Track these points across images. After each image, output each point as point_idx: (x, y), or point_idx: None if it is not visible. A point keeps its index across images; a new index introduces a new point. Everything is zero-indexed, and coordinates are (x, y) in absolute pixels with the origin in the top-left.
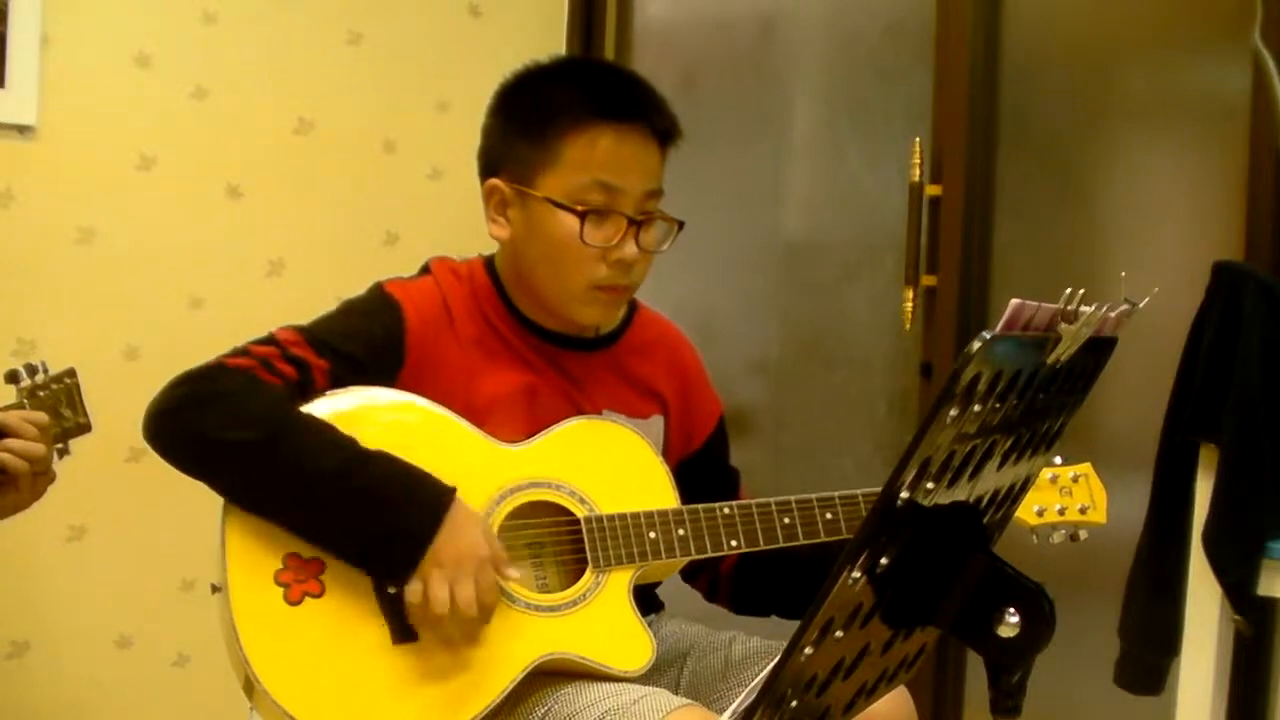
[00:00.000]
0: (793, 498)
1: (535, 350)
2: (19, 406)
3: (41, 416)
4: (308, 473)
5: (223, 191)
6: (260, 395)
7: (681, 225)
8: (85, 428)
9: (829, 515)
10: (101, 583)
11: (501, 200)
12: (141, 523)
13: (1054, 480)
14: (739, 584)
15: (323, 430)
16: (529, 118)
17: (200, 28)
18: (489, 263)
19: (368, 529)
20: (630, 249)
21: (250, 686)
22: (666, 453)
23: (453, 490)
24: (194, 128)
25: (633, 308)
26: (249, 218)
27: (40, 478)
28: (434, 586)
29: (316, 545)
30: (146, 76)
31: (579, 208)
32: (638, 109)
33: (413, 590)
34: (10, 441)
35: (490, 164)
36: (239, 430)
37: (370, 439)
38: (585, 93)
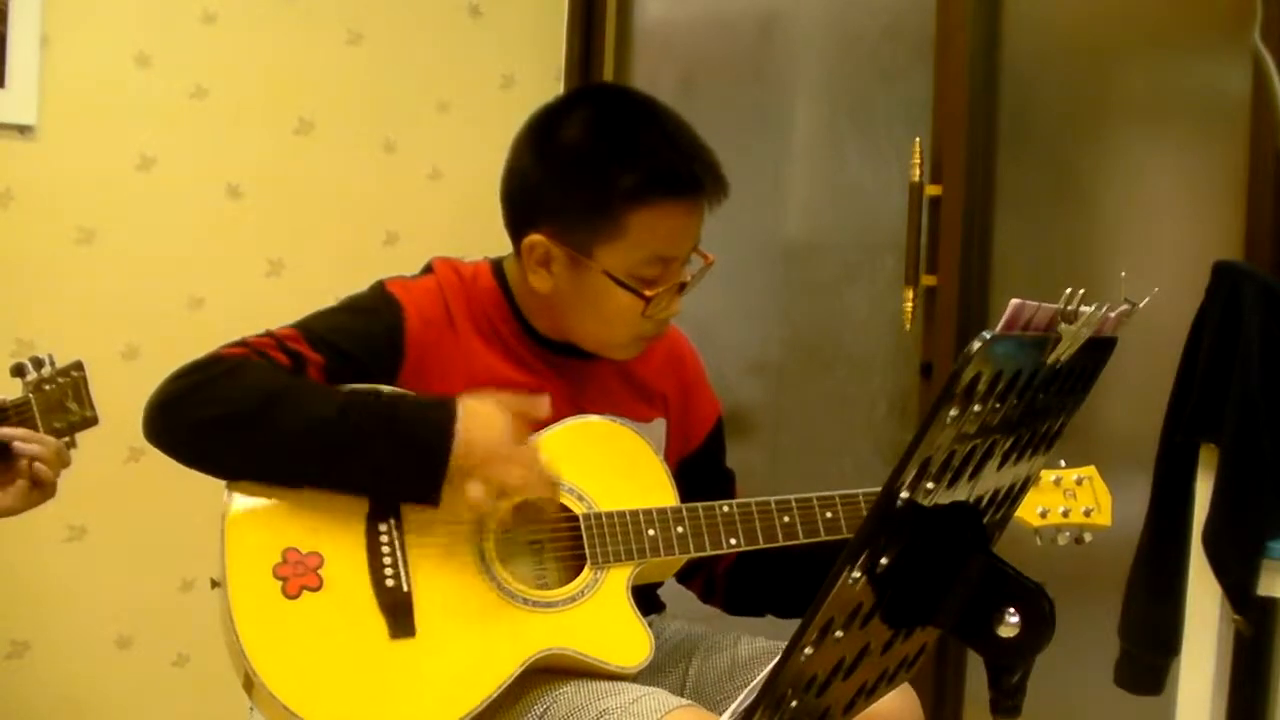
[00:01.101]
0: (792, 496)
1: (537, 355)
2: (25, 401)
3: (52, 441)
4: (310, 425)
5: (223, 191)
6: (250, 370)
7: (713, 262)
8: (92, 421)
9: (829, 514)
10: (101, 583)
11: (546, 256)
12: (141, 523)
13: (1058, 483)
14: (735, 584)
15: (314, 386)
16: (588, 183)
17: (200, 28)
18: (496, 268)
19: (384, 461)
20: (677, 307)
21: (249, 681)
22: (667, 454)
23: (454, 398)
24: (194, 128)
25: None
26: (249, 218)
27: (35, 490)
28: (471, 490)
29: (341, 490)
30: (146, 76)
31: (646, 292)
32: (704, 181)
33: (472, 492)
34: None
35: (530, 215)
36: (234, 404)
37: None
38: (651, 165)
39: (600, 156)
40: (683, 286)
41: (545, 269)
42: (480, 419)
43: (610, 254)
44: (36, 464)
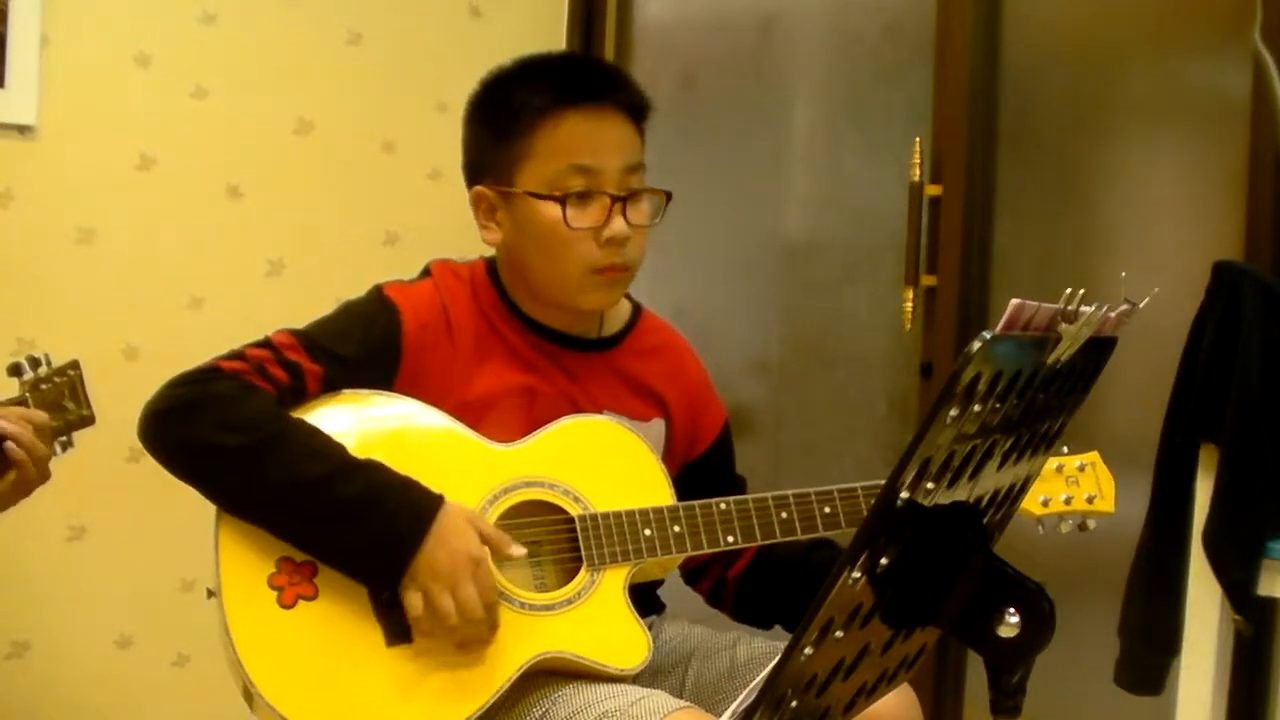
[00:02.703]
0: (790, 492)
1: (536, 349)
2: (22, 400)
3: (41, 415)
4: (294, 480)
5: (223, 191)
6: (250, 400)
7: (669, 196)
8: (89, 420)
9: (827, 510)
10: (101, 583)
11: (489, 206)
12: (141, 523)
13: (1060, 470)
14: (746, 591)
15: (311, 437)
16: (498, 119)
17: (200, 28)
18: (490, 264)
19: (355, 538)
20: (619, 225)
21: (248, 692)
22: (668, 457)
23: (440, 497)
24: (194, 128)
25: (637, 311)
26: (249, 218)
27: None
28: (436, 598)
29: (305, 552)
30: (146, 76)
31: (558, 194)
32: (600, 88)
33: (412, 603)
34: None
35: (473, 173)
36: (227, 435)
37: (363, 442)
38: (545, 82)
39: (507, 89)
40: (624, 203)
41: (492, 220)
42: (452, 534)
43: (528, 175)
44: (8, 443)
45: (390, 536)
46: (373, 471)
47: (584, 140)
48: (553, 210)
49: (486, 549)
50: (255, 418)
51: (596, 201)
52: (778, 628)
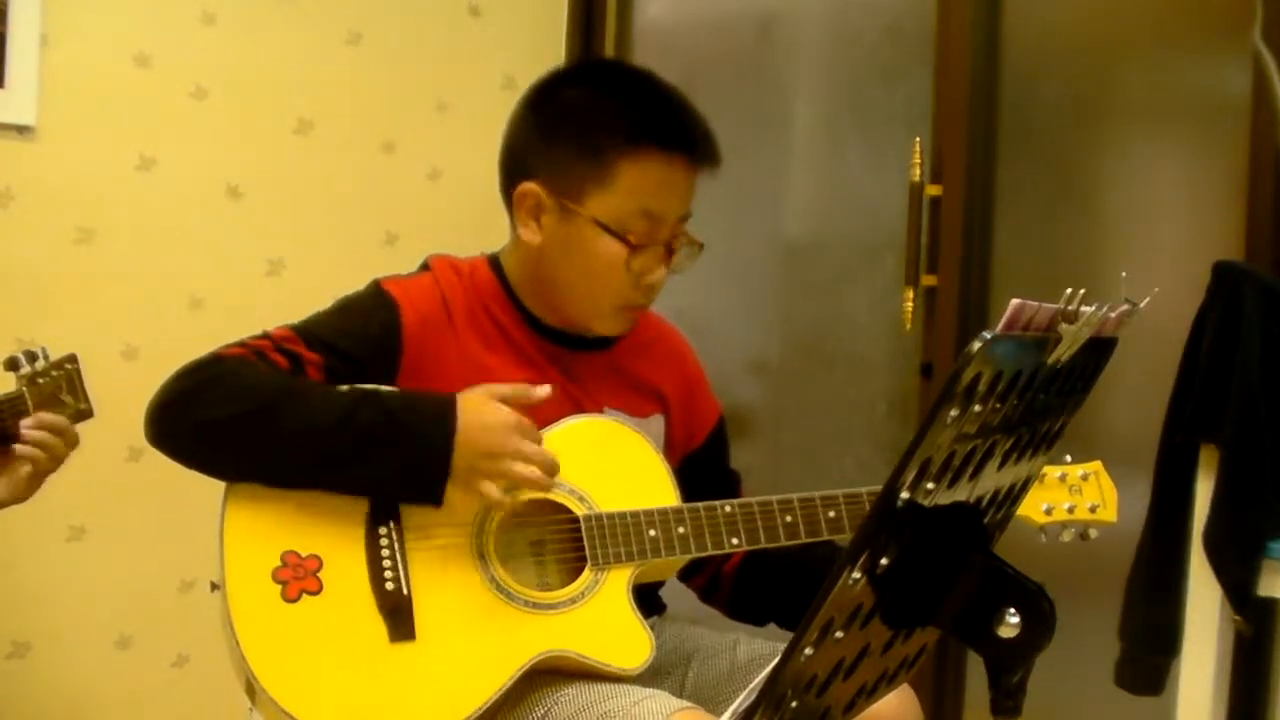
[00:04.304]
0: (794, 495)
1: (537, 348)
2: (19, 395)
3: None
4: (312, 429)
5: (223, 191)
6: (249, 370)
7: (702, 247)
8: (87, 413)
9: (832, 513)
10: (101, 583)
11: (537, 205)
12: (141, 523)
13: (1063, 479)
14: (741, 587)
15: (314, 388)
16: (580, 129)
17: (200, 28)
18: (493, 260)
19: (386, 465)
20: (661, 274)
21: (250, 685)
22: (668, 452)
23: (452, 396)
24: (194, 128)
25: None
26: (249, 218)
27: (36, 478)
28: (507, 470)
29: (343, 492)
30: (146, 76)
31: (630, 238)
32: (692, 138)
33: (488, 491)
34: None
35: (522, 166)
36: (236, 404)
37: None
38: (644, 115)
39: (594, 105)
40: (670, 252)
41: (535, 220)
42: (479, 416)
43: (599, 202)
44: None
45: (419, 454)
46: (380, 399)
47: (659, 185)
48: (616, 248)
49: (516, 397)
50: (256, 383)
51: (653, 250)
52: (777, 628)
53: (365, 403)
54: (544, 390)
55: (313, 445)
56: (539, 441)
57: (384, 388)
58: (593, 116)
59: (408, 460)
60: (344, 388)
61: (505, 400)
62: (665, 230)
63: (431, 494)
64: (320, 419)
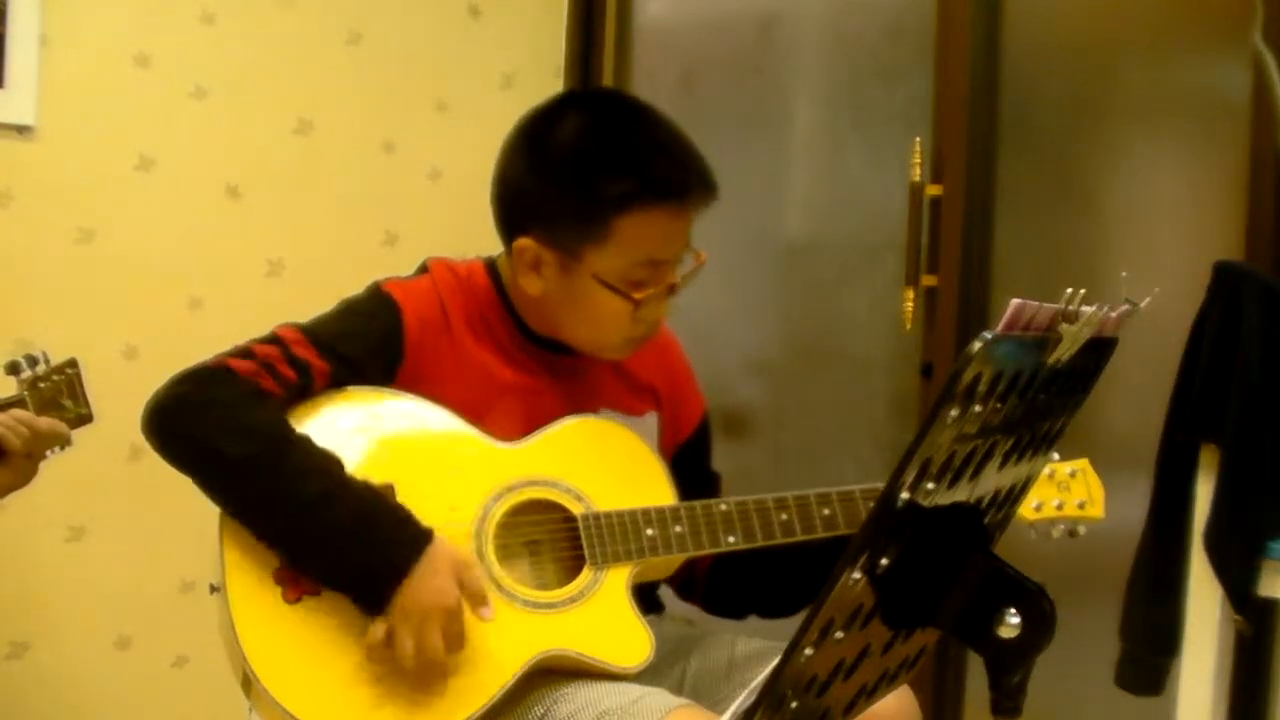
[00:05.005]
0: (790, 494)
1: (531, 354)
2: (20, 399)
3: (44, 423)
4: (290, 496)
5: (222, 191)
6: (257, 408)
7: (705, 262)
8: (87, 418)
9: (826, 512)
10: (101, 583)
11: (536, 260)
12: (141, 523)
13: (1051, 476)
14: (716, 582)
15: (310, 455)
16: (577, 189)
17: (200, 28)
18: (490, 266)
19: (343, 561)
20: (664, 308)
21: (248, 684)
22: (661, 446)
23: (429, 533)
24: (194, 128)
25: None
26: (249, 218)
27: (28, 461)
28: (399, 637)
29: (295, 566)
30: (146, 76)
31: (635, 295)
32: (691, 186)
33: (374, 632)
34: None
35: (520, 219)
36: (231, 441)
37: (369, 442)
38: (644, 174)
39: (589, 162)
40: (673, 288)
41: (535, 272)
42: (437, 576)
43: (599, 258)
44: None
45: (376, 567)
46: (367, 497)
47: (661, 236)
48: (619, 303)
49: (469, 587)
50: (259, 427)
51: (655, 291)
52: (774, 625)
53: (349, 494)
54: (490, 612)
55: (284, 512)
56: (455, 643)
57: (371, 484)
58: (588, 173)
59: (363, 567)
60: (336, 459)
61: (460, 585)
62: (669, 271)
63: (371, 607)
64: (301, 492)
